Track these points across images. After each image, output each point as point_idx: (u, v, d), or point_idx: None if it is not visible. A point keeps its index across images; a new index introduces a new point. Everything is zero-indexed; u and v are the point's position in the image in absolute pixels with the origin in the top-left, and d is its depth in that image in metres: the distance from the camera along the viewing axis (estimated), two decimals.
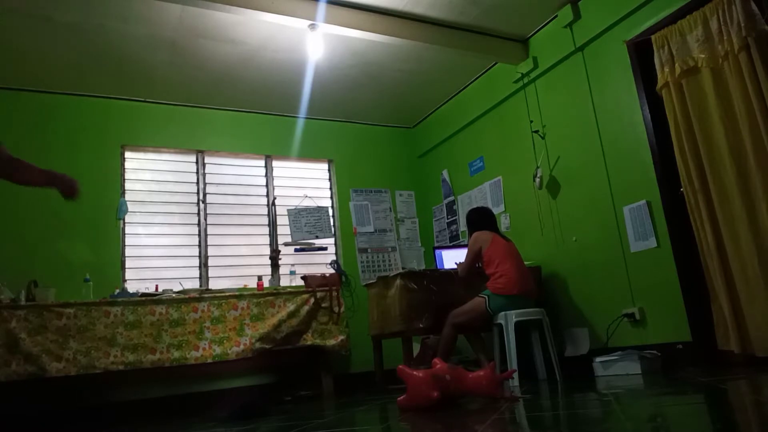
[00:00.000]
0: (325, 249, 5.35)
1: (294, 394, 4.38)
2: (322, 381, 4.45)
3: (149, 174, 4.85)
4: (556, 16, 4.22)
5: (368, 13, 3.99)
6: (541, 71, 4.45)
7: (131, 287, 4.38)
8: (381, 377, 4.31)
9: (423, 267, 5.29)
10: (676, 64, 3.33)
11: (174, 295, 4.14)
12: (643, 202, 3.61)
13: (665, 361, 3.35)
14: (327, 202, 5.57)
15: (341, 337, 4.51)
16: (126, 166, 4.77)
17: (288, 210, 5.28)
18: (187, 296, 4.11)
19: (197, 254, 4.83)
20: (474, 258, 3.83)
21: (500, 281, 3.64)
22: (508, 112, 4.86)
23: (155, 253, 4.67)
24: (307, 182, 5.56)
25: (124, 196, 4.65)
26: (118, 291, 4.13)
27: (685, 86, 3.32)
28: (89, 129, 4.66)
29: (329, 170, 5.71)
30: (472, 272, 3.89)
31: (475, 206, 4.30)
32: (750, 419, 1.66)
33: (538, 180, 4.41)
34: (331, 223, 5.45)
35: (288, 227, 5.23)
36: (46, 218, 4.31)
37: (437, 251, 4.76)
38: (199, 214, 4.96)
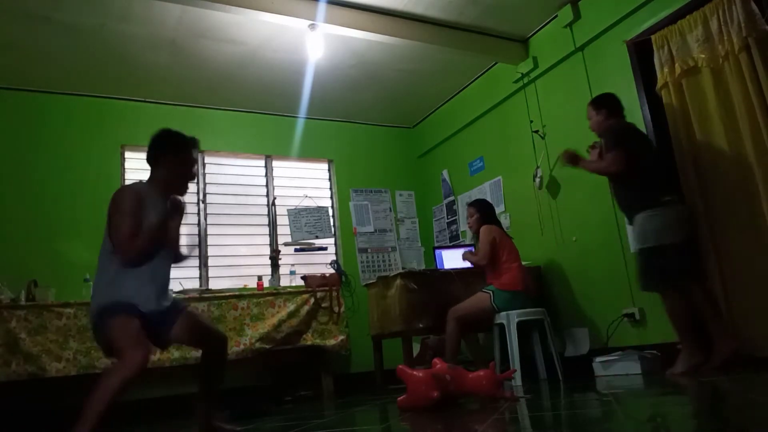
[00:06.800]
0: (325, 249, 5.35)
1: (294, 394, 4.37)
2: (322, 381, 4.45)
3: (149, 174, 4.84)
4: (556, 16, 4.22)
5: (368, 13, 3.99)
6: (541, 71, 4.45)
7: None
8: (381, 377, 4.31)
9: (423, 267, 5.30)
10: (676, 64, 3.33)
11: (174, 295, 4.13)
12: None
13: (665, 361, 3.34)
14: (327, 202, 5.57)
15: (341, 337, 4.51)
16: (126, 166, 4.77)
17: (288, 210, 5.28)
18: (187, 296, 4.11)
19: (197, 254, 4.83)
20: (492, 247, 3.74)
21: (506, 277, 3.65)
22: (508, 112, 4.86)
23: None
24: (307, 182, 5.56)
25: None
26: None
27: (685, 86, 3.32)
28: (89, 129, 4.65)
29: (329, 170, 5.71)
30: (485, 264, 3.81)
31: (480, 198, 4.27)
32: (750, 419, 1.66)
33: (538, 180, 4.41)
34: (331, 223, 5.45)
35: (288, 227, 5.23)
36: (47, 218, 4.31)
37: (437, 251, 4.75)
38: (199, 214, 4.95)
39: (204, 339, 2.50)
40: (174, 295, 3.00)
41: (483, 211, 3.96)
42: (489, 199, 5.00)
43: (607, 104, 3.39)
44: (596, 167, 3.35)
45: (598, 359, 3.50)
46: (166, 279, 2.53)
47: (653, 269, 3.09)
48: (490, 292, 3.65)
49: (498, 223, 3.93)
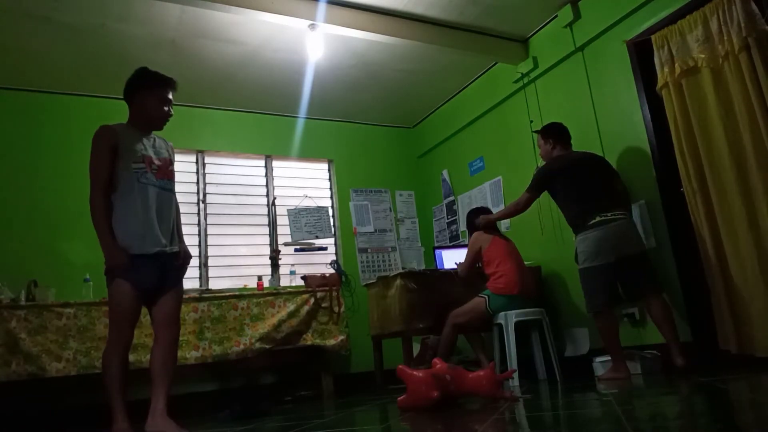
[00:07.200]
0: (325, 249, 5.35)
1: (294, 394, 4.38)
2: (322, 381, 4.45)
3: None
4: (556, 16, 4.22)
5: (368, 13, 3.99)
6: (541, 71, 4.45)
7: None
8: (381, 377, 4.31)
9: (423, 267, 5.30)
10: (676, 64, 3.33)
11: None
12: (643, 201, 3.62)
13: (665, 361, 3.34)
14: (327, 202, 5.57)
15: (341, 337, 4.50)
16: None
17: (288, 210, 5.28)
18: (187, 296, 4.10)
19: (197, 254, 4.83)
20: (474, 258, 3.84)
21: (501, 281, 3.65)
22: (508, 112, 4.86)
23: None
24: (307, 182, 5.56)
25: None
26: None
27: (684, 86, 3.32)
28: (90, 129, 4.60)
29: (329, 170, 5.71)
30: (472, 272, 3.89)
31: (475, 206, 4.31)
32: (750, 419, 1.66)
33: None
34: (331, 223, 5.45)
35: (288, 227, 5.23)
36: (47, 218, 4.31)
37: (437, 251, 4.76)
38: (199, 214, 4.95)
39: (161, 325, 2.60)
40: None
41: (469, 222, 4.06)
42: (489, 200, 5.02)
43: (552, 134, 3.65)
44: (506, 213, 3.85)
45: (598, 359, 3.50)
46: (165, 214, 2.59)
47: (585, 291, 3.30)
48: (486, 297, 3.66)
49: (493, 229, 3.93)
